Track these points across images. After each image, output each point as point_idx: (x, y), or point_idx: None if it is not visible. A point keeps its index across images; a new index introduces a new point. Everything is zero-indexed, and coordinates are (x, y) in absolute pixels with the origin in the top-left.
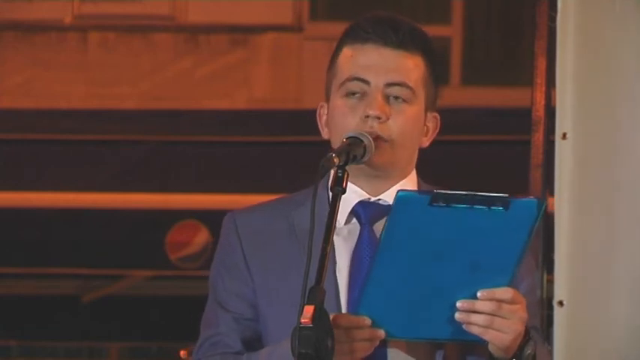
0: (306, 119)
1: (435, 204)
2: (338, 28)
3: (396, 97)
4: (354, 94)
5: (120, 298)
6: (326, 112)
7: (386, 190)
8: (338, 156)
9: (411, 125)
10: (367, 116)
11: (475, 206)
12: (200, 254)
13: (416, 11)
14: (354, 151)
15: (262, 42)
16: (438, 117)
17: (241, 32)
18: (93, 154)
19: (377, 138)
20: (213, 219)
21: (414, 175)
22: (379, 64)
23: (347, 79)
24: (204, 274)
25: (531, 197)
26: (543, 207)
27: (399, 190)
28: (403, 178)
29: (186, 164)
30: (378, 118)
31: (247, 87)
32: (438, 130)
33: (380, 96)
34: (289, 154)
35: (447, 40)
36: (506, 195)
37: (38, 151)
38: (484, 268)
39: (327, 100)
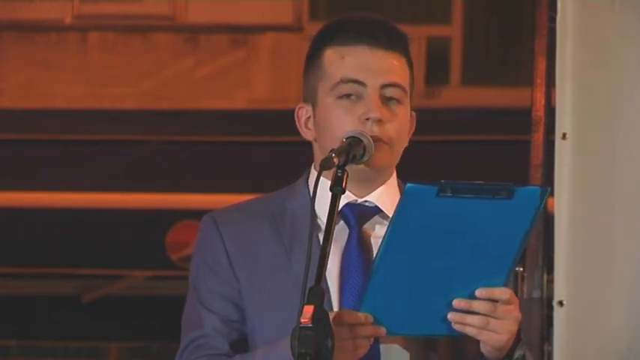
0: None
1: (442, 194)
2: None
3: (391, 99)
4: (348, 96)
5: (120, 298)
6: (307, 114)
7: (371, 192)
8: (338, 156)
9: (404, 126)
10: (367, 119)
11: (481, 196)
12: None
13: (416, 11)
14: (353, 151)
15: (262, 42)
16: (414, 115)
17: (241, 32)
18: (93, 154)
19: (377, 140)
20: None
21: (394, 175)
22: (373, 66)
23: (341, 81)
24: None
25: (535, 185)
26: (546, 195)
27: (407, 183)
28: (387, 179)
29: (187, 164)
30: (379, 120)
31: (247, 87)
32: (414, 128)
33: (378, 98)
34: (289, 154)
35: (447, 40)
36: (511, 184)
37: (38, 151)
38: (485, 259)
39: (309, 101)
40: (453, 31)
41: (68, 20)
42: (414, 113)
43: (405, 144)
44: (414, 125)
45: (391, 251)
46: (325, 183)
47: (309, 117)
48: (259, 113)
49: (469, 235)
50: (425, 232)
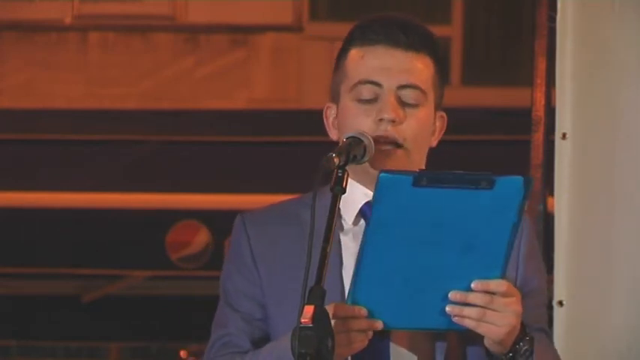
0: (306, 119)
1: (419, 185)
2: (338, 28)
3: (409, 100)
4: (366, 97)
5: (120, 298)
6: (334, 113)
7: None
8: (338, 156)
9: (423, 128)
10: (381, 119)
11: (460, 186)
12: (200, 254)
13: (416, 11)
14: (354, 151)
15: (262, 42)
16: (445, 116)
17: (241, 32)
18: (93, 154)
19: (391, 144)
20: (213, 219)
21: None
22: (391, 66)
23: (359, 82)
24: (204, 274)
25: (516, 175)
26: (530, 184)
27: (380, 171)
28: None
29: (186, 164)
30: (393, 121)
31: (247, 87)
32: (444, 129)
33: (393, 98)
34: (289, 154)
35: (447, 40)
36: (491, 173)
37: (38, 151)
38: (475, 252)
39: (335, 101)
40: (453, 31)
41: (68, 20)
42: (443, 114)
43: (426, 145)
44: (444, 125)
45: (374, 243)
46: (351, 183)
47: (335, 117)
48: (259, 113)
49: (454, 227)
50: (407, 223)
